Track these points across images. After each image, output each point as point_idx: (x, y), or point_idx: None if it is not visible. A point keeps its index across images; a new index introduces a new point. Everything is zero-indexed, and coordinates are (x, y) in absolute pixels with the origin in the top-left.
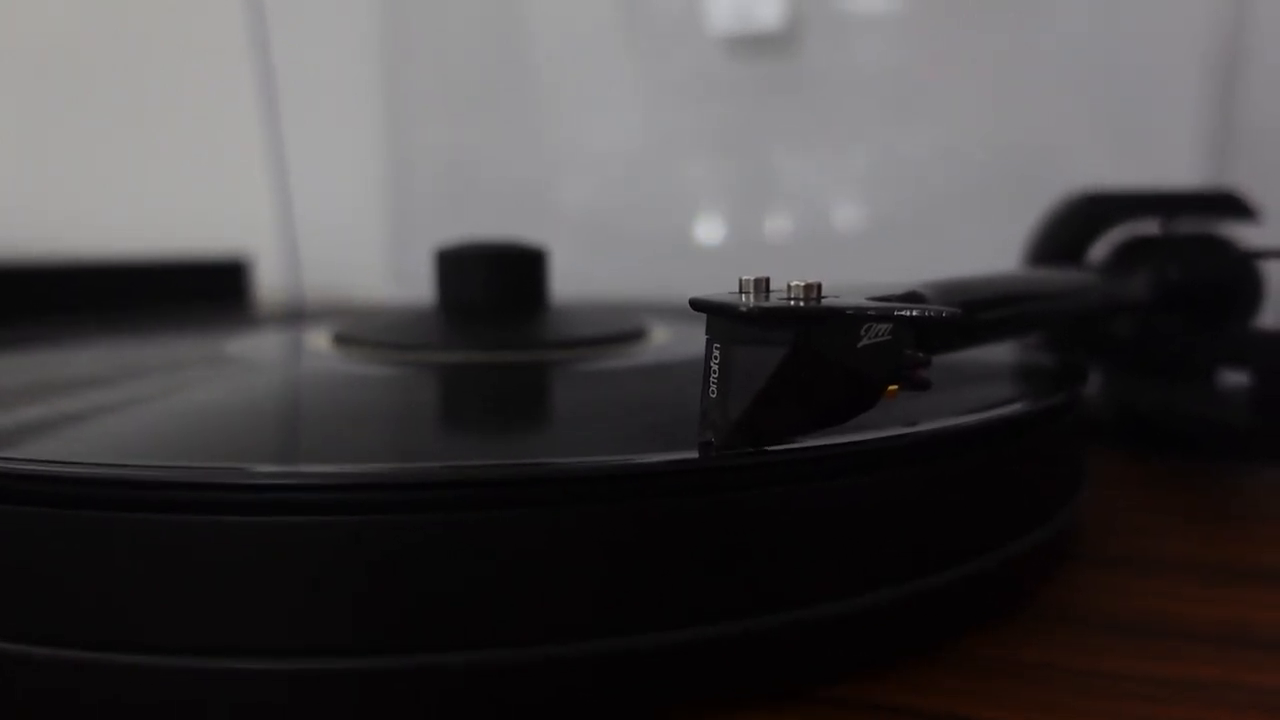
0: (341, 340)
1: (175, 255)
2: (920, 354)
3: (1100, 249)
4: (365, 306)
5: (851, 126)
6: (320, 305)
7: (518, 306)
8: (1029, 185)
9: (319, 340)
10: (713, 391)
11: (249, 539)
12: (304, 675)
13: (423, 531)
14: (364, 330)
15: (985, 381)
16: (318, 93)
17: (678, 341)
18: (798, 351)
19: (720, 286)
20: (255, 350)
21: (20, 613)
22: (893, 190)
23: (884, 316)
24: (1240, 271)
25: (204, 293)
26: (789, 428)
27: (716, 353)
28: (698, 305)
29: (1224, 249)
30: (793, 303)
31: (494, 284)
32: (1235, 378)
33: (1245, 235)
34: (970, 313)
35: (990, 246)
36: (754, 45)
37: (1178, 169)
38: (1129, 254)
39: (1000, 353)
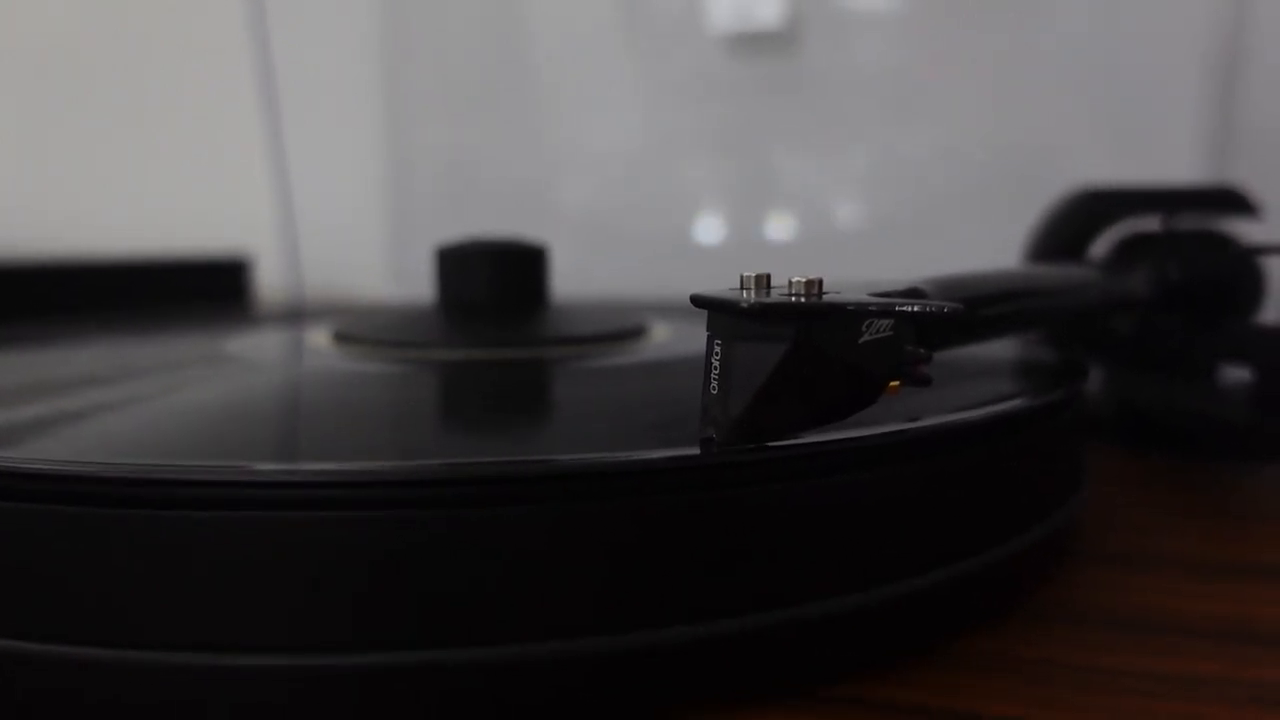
0: (342, 338)
1: (175, 255)
2: (921, 350)
3: (1101, 245)
4: (365, 306)
5: (851, 126)
6: (320, 305)
7: (518, 304)
8: (1029, 185)
9: (319, 339)
10: (714, 388)
11: (249, 537)
12: (304, 672)
13: (423, 529)
14: (364, 328)
15: (986, 378)
16: (318, 93)
17: (678, 339)
18: (799, 347)
19: (720, 286)
20: (255, 349)
21: (20, 611)
22: (893, 190)
23: (885, 312)
24: (1241, 268)
25: (204, 292)
26: (790, 424)
27: (718, 349)
28: (699, 301)
29: (1225, 245)
30: (794, 298)
31: (495, 281)
32: (1236, 374)
33: (1246, 232)
34: (971, 309)
35: (990, 246)
36: (754, 44)
37: (1178, 169)
38: (1130, 250)
39: (1001, 349)
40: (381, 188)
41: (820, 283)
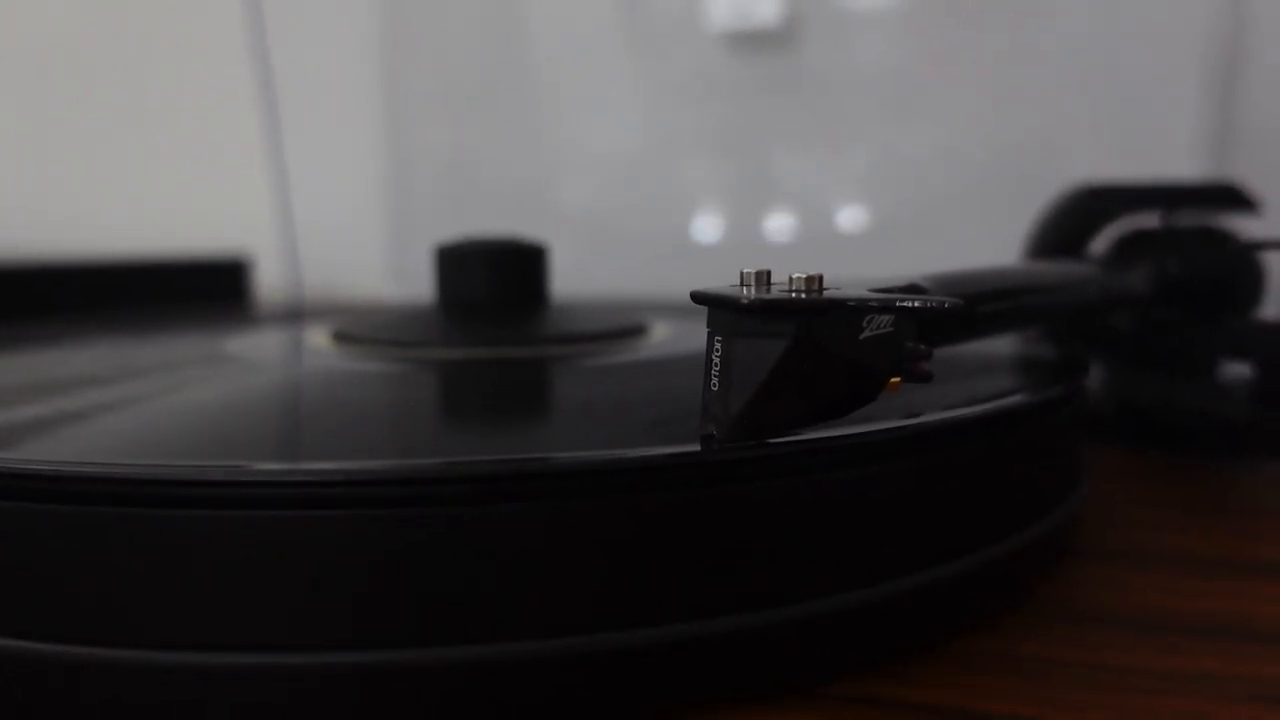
0: (341, 338)
1: (175, 255)
2: (922, 346)
3: (1101, 242)
4: (365, 305)
5: (851, 126)
6: (320, 305)
7: (518, 303)
8: (1029, 185)
9: (319, 338)
10: (714, 384)
11: (249, 535)
12: (304, 672)
13: (423, 527)
14: (364, 328)
15: (986, 374)
16: (318, 93)
17: (678, 337)
18: (799, 343)
19: (720, 285)
20: (255, 349)
21: (20, 611)
22: (893, 190)
23: (886, 308)
24: (1241, 264)
25: (204, 292)
26: (791, 420)
27: (718, 345)
28: (699, 298)
29: (1224, 242)
30: (794, 295)
31: (494, 280)
32: (1236, 370)
33: (1246, 228)
34: (971, 305)
35: (990, 246)
36: (753, 44)
37: (1177, 168)
38: (1129, 247)
39: (1001, 346)
40: (381, 188)
41: (820, 279)
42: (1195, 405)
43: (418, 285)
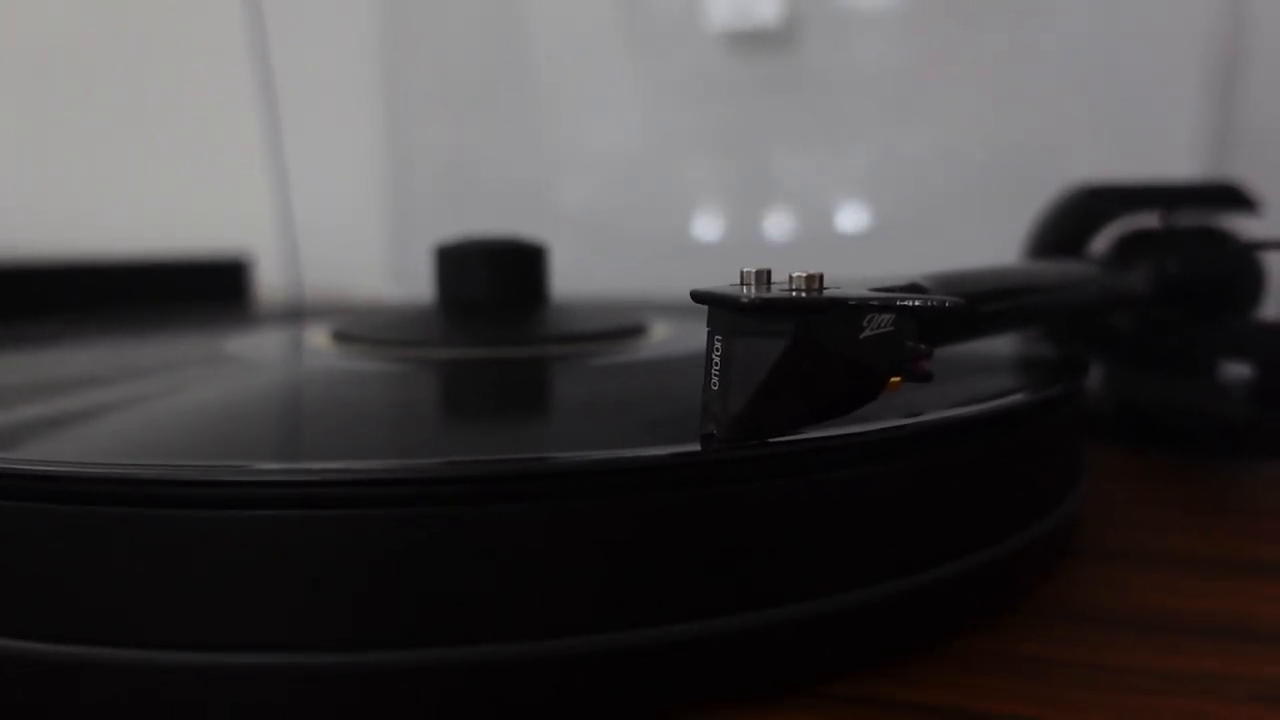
0: (341, 337)
1: (175, 255)
2: (922, 345)
3: (1101, 241)
4: (365, 305)
5: (851, 126)
6: (320, 304)
7: (518, 302)
8: (1029, 185)
9: (319, 338)
10: (714, 384)
11: (249, 535)
12: (304, 671)
13: (423, 527)
14: (364, 327)
15: (986, 373)
16: (318, 93)
17: (678, 337)
18: (799, 343)
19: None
20: (255, 349)
21: (20, 610)
22: (893, 190)
23: (886, 306)
24: (1241, 264)
25: (204, 292)
26: (790, 420)
27: (718, 345)
28: (699, 297)
29: (1224, 242)
30: (794, 294)
31: (494, 280)
32: (1236, 370)
33: (1246, 228)
34: (972, 304)
35: (990, 246)
36: (753, 44)
37: (1177, 169)
38: (1129, 246)
39: (1001, 345)
40: (381, 188)
41: (820, 278)
42: (1195, 405)
43: (418, 285)
